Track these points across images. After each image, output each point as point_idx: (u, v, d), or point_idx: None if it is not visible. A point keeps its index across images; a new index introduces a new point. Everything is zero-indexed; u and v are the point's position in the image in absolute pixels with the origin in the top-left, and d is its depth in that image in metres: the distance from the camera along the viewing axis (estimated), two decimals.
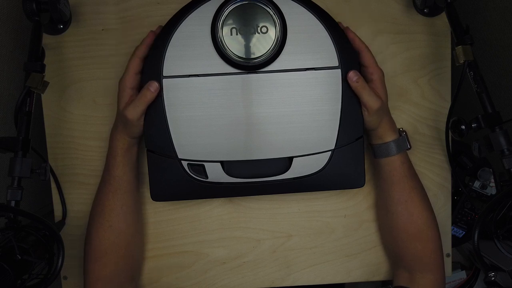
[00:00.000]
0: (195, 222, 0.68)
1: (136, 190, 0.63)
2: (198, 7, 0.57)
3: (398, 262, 0.66)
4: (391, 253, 0.68)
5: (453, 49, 0.59)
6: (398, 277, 0.65)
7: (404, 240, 0.62)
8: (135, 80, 0.57)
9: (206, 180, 0.59)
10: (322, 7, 0.58)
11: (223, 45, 0.57)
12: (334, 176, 0.60)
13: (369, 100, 0.57)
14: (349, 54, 0.58)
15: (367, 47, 0.59)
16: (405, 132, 0.64)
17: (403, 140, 0.62)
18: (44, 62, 0.57)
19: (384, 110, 0.59)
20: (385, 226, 0.67)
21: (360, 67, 0.59)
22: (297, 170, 0.59)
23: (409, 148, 0.63)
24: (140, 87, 0.58)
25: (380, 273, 0.70)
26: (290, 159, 0.59)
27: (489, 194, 0.84)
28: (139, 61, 0.57)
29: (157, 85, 0.56)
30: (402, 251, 0.63)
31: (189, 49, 0.57)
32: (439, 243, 0.62)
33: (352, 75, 0.57)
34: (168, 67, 0.57)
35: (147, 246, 0.68)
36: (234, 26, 0.57)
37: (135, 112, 0.56)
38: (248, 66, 0.57)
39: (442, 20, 0.67)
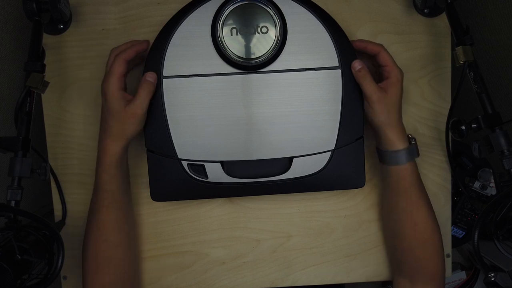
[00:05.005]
0: (195, 222, 0.68)
1: (129, 202, 0.63)
2: (198, 7, 0.57)
3: (399, 268, 0.65)
4: (392, 258, 0.67)
5: (453, 49, 0.59)
6: (398, 285, 0.64)
7: (407, 248, 0.61)
8: (122, 82, 0.56)
9: (206, 180, 0.59)
10: (322, 7, 0.58)
11: (223, 45, 0.57)
12: (334, 177, 0.60)
13: (369, 90, 0.56)
14: (349, 54, 0.58)
15: (383, 47, 0.59)
16: (415, 139, 0.61)
17: (413, 148, 0.59)
18: (44, 62, 0.57)
19: (389, 107, 0.57)
20: (388, 232, 0.66)
21: (378, 68, 0.60)
22: (297, 170, 0.59)
23: (418, 156, 0.61)
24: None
25: (380, 274, 0.70)
26: (290, 159, 0.59)
27: (489, 195, 0.84)
28: (125, 64, 0.56)
29: (155, 74, 0.56)
30: (404, 258, 0.63)
31: (189, 49, 0.57)
32: (441, 251, 0.61)
33: (355, 64, 0.57)
34: (168, 67, 0.57)
35: (147, 246, 0.68)
36: (234, 26, 0.57)
37: (142, 105, 0.55)
38: (248, 66, 0.57)
39: (442, 21, 0.66)
